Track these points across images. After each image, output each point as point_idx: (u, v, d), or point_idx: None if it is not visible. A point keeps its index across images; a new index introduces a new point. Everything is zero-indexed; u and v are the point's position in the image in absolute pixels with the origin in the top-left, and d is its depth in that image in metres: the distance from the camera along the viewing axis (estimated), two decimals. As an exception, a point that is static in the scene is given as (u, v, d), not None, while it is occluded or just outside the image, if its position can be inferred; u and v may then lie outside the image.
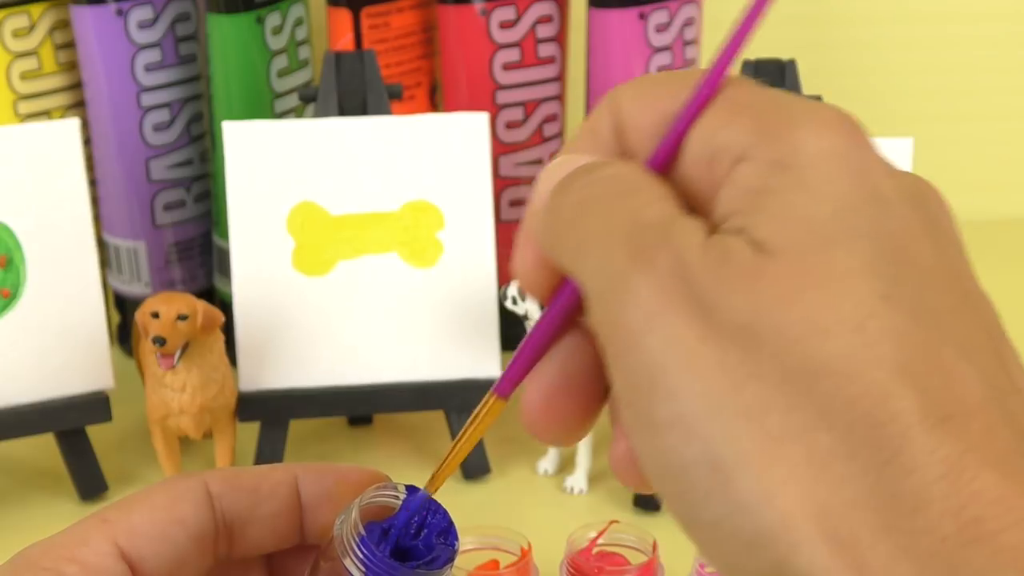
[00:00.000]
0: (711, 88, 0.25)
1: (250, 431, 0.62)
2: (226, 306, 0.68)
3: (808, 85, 0.59)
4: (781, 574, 0.21)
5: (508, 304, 0.59)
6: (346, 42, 0.71)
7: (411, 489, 0.30)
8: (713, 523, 0.22)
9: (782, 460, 0.21)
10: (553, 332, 0.28)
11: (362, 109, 0.62)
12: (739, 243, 0.23)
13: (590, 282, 0.24)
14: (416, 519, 0.30)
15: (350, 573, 0.29)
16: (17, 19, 0.71)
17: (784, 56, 0.60)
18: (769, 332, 0.22)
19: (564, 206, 0.26)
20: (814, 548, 0.21)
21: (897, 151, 0.57)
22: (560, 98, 0.74)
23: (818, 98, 0.57)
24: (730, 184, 0.24)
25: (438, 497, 0.31)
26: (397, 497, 0.30)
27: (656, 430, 0.23)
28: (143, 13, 0.70)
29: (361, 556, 0.28)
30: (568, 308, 0.27)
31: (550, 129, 0.74)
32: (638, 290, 0.23)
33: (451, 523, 0.30)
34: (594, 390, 0.28)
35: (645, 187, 0.25)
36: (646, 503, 0.61)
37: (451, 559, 0.29)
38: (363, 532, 0.29)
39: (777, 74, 0.55)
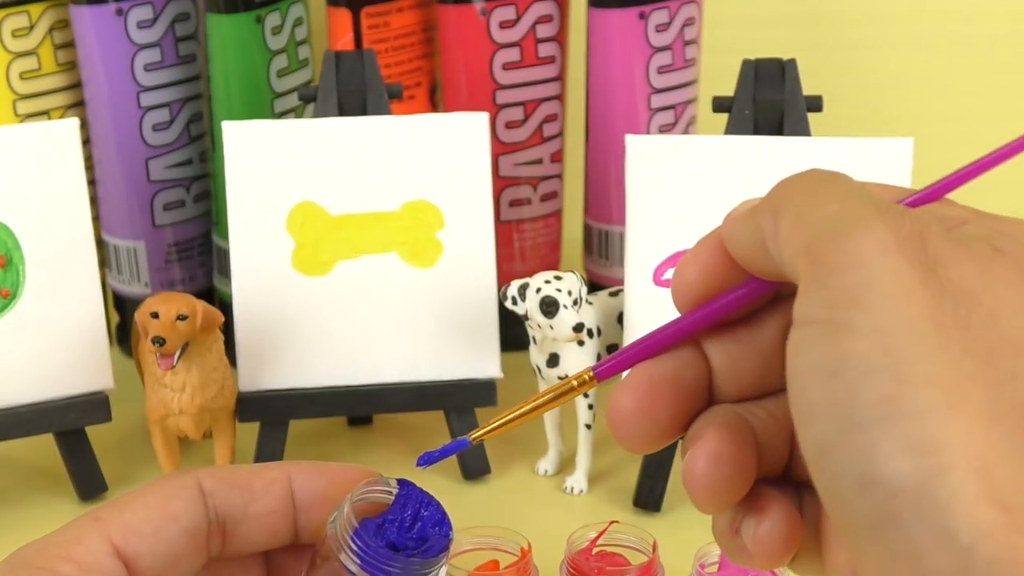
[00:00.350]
0: (943, 190, 0.28)
1: (250, 431, 0.62)
2: (226, 306, 0.68)
3: (808, 85, 0.58)
4: (919, 490, 0.23)
5: (508, 304, 0.59)
6: (346, 42, 0.71)
7: (403, 483, 0.30)
8: (870, 424, 0.23)
9: (964, 395, 0.23)
10: (684, 335, 0.29)
11: (362, 109, 0.62)
12: (978, 240, 0.26)
13: (821, 221, 0.26)
14: (410, 512, 0.30)
15: (347, 568, 0.29)
16: (16, 19, 0.71)
17: (784, 56, 0.60)
18: (991, 300, 0.24)
19: (802, 179, 0.28)
20: (964, 475, 0.22)
21: (897, 151, 0.57)
22: (560, 98, 0.74)
23: (819, 98, 0.57)
24: (958, 230, 0.27)
25: (435, 493, 0.31)
26: (390, 492, 0.30)
27: (849, 334, 0.24)
28: (142, 13, 0.70)
29: (356, 548, 0.28)
30: (710, 317, 0.29)
31: (550, 129, 0.74)
32: (878, 230, 0.25)
33: (445, 514, 0.30)
34: (691, 402, 0.29)
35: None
36: (646, 503, 0.60)
37: (446, 548, 0.30)
38: (356, 525, 0.29)
39: (777, 74, 0.55)
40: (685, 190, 0.58)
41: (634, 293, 0.58)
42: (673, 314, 0.32)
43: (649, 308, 0.58)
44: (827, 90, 0.61)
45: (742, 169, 0.57)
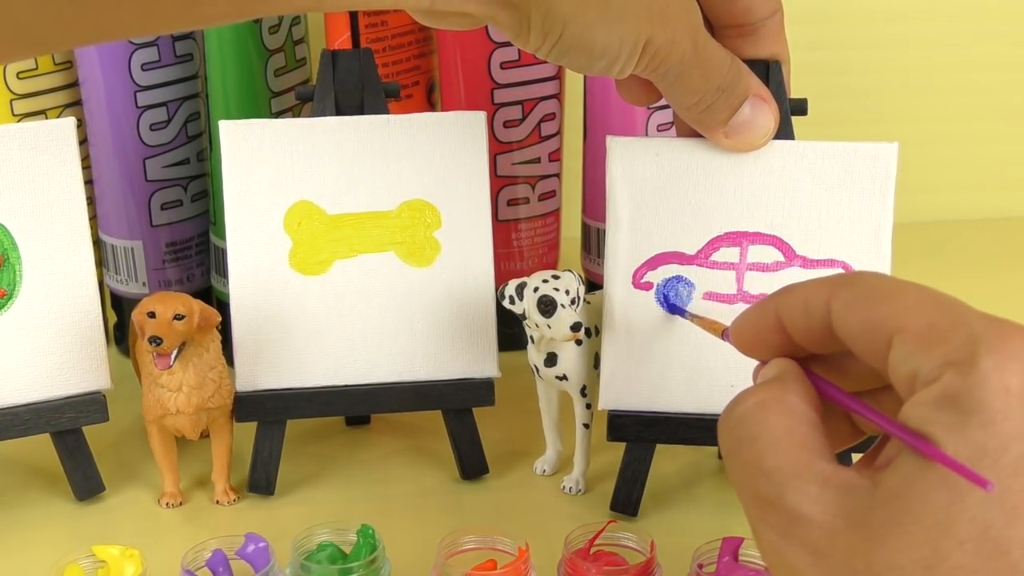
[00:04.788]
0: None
1: (247, 431, 0.62)
2: (223, 306, 0.68)
3: (798, 85, 0.58)
4: None
5: (506, 304, 0.59)
6: (343, 41, 0.71)
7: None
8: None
9: None
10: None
11: (359, 108, 0.61)
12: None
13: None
14: None
15: None
16: (13, 18, 0.70)
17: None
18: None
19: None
20: None
21: (882, 155, 0.56)
22: (558, 96, 0.74)
23: (803, 101, 0.57)
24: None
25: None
26: None
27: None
28: (139, 12, 0.70)
29: None
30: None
31: (548, 128, 0.74)
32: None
33: None
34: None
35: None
36: (623, 508, 0.60)
37: None
38: None
39: (762, 75, 0.55)
40: (665, 192, 0.57)
41: (613, 296, 0.58)
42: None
43: (627, 311, 0.58)
44: (818, 90, 0.60)
45: (723, 172, 0.57)
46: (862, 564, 0.32)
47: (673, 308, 0.57)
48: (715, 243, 0.57)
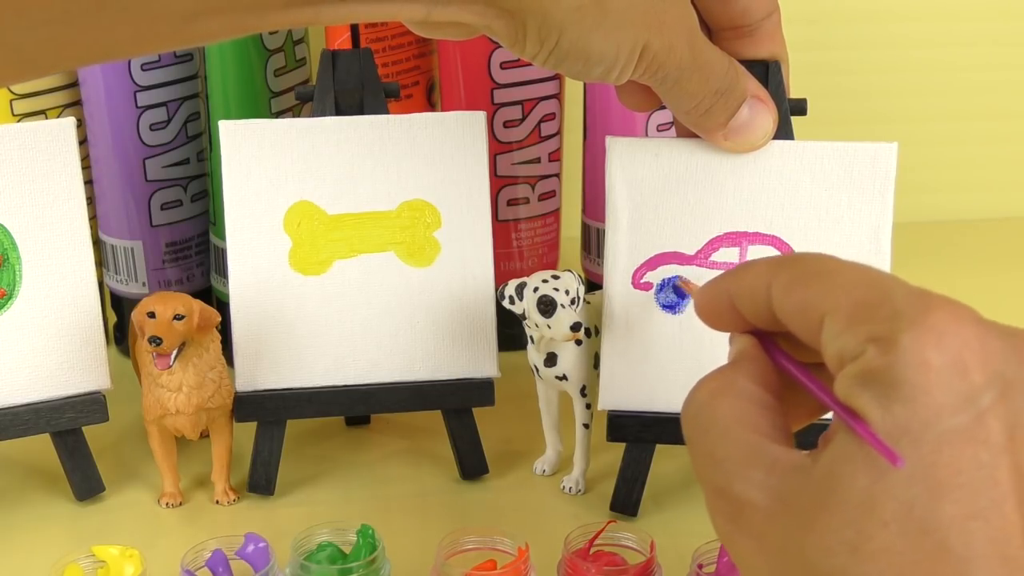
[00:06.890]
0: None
1: (247, 431, 0.62)
2: (223, 306, 0.68)
3: (798, 85, 0.58)
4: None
5: (505, 304, 0.59)
6: (343, 41, 0.71)
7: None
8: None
9: None
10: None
11: (359, 108, 0.61)
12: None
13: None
14: None
15: None
16: (13, 18, 0.70)
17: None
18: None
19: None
20: None
21: (881, 155, 0.56)
22: (558, 96, 0.74)
23: (803, 101, 0.57)
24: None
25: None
26: None
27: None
28: (139, 12, 0.70)
29: None
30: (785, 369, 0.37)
31: (548, 128, 0.74)
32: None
33: None
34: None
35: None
36: (623, 507, 0.60)
37: None
38: None
39: (761, 75, 0.55)
40: (665, 192, 0.57)
41: (613, 296, 0.58)
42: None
43: (627, 311, 0.58)
44: (818, 90, 0.60)
45: (723, 172, 0.56)
46: (796, 547, 0.32)
47: (677, 292, 0.57)
48: (715, 243, 0.57)
